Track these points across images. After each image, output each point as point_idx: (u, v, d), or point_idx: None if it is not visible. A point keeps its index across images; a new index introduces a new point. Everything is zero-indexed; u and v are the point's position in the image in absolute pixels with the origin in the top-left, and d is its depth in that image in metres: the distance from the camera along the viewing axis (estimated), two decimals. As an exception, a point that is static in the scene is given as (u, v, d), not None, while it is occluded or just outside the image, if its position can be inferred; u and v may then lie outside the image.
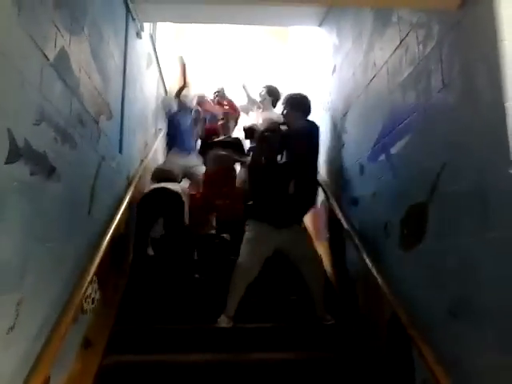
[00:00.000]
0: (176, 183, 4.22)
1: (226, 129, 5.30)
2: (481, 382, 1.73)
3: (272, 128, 3.82)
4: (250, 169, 3.80)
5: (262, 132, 3.81)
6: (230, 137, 5.22)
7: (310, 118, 4.09)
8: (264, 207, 3.47)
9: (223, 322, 3.16)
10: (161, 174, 4.35)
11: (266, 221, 3.39)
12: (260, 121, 5.06)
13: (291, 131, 3.83)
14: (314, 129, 3.87)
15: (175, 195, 3.97)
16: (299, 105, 4.00)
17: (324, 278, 3.55)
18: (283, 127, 3.91)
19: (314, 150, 3.83)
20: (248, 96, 5.50)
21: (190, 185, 4.97)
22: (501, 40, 1.62)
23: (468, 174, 1.81)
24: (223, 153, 4.75)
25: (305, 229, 3.92)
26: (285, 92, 5.28)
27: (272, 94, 5.20)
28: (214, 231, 4.71)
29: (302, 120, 3.92)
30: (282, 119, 4.13)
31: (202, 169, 4.88)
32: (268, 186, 3.53)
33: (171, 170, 4.42)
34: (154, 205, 3.94)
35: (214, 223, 4.81)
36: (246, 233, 3.45)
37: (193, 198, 4.42)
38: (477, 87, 1.77)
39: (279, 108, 5.06)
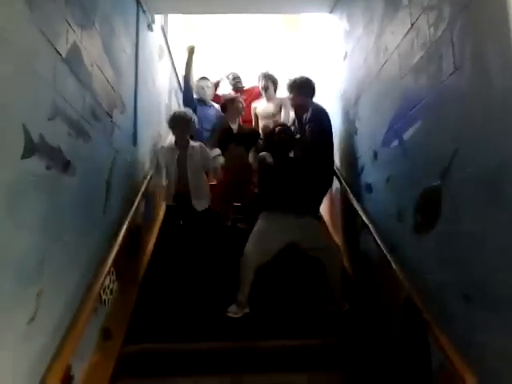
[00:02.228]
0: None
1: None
2: (496, 366, 1.73)
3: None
4: (262, 164, 3.77)
5: (274, 128, 3.81)
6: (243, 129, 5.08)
7: (322, 104, 4.14)
8: (275, 196, 3.47)
9: (233, 311, 3.20)
10: (178, 122, 3.94)
11: (277, 208, 3.40)
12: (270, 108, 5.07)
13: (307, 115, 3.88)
14: (324, 110, 3.98)
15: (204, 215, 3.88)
16: (305, 87, 4.07)
17: (341, 266, 3.54)
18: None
19: (328, 131, 3.90)
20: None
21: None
22: (512, 20, 1.60)
23: (481, 157, 1.79)
24: (238, 150, 4.67)
25: (320, 219, 3.92)
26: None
27: (274, 82, 5.19)
28: (229, 223, 4.73)
29: (310, 102, 4.01)
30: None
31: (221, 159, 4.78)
32: (279, 178, 3.52)
33: (187, 117, 3.99)
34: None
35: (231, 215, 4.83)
36: (257, 223, 3.46)
37: (215, 189, 4.38)
38: (488, 69, 1.74)
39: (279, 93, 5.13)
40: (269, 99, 5.16)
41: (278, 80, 5.19)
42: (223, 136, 4.59)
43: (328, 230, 4.47)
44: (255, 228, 3.44)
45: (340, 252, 3.60)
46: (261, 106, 5.26)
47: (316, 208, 3.97)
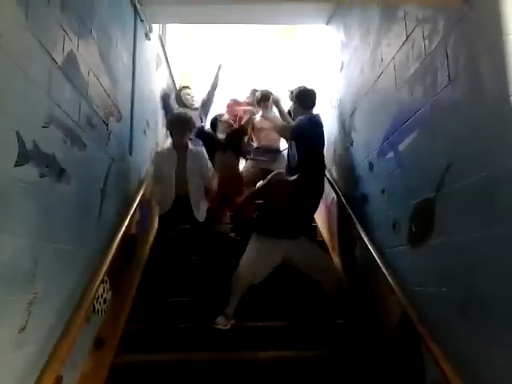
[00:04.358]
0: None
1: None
2: (490, 379, 1.72)
3: None
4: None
5: None
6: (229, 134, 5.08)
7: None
8: (269, 221, 3.44)
9: (221, 322, 3.14)
10: (177, 122, 3.87)
11: (269, 234, 3.36)
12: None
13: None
14: (311, 125, 3.90)
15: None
16: (305, 100, 4.05)
17: (337, 281, 3.51)
18: None
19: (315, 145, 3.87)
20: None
21: None
22: (506, 34, 1.61)
23: (475, 169, 1.79)
24: (226, 158, 4.63)
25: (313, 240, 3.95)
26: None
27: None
28: (229, 230, 4.67)
29: (305, 114, 3.97)
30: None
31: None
32: (275, 202, 3.51)
33: (187, 116, 3.99)
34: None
35: (229, 220, 4.78)
36: (250, 242, 3.43)
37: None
38: (482, 82, 1.76)
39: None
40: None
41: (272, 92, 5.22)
42: (208, 144, 4.59)
43: (322, 248, 4.40)
44: (250, 245, 3.40)
45: (335, 270, 3.56)
46: (258, 118, 5.26)
47: (309, 226, 3.96)
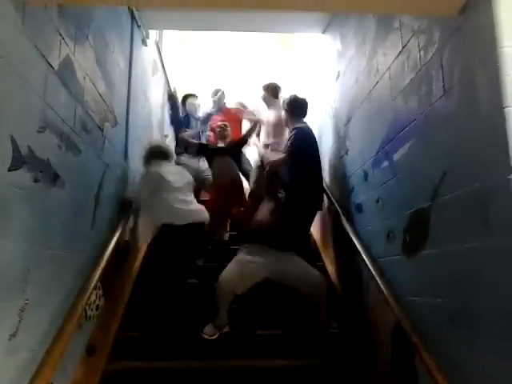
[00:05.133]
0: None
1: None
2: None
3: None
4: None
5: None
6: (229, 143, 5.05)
7: (314, 123, 4.16)
8: (259, 230, 3.47)
9: (208, 332, 3.10)
10: (158, 151, 3.96)
11: (258, 242, 3.39)
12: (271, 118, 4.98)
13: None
14: (308, 133, 3.97)
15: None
16: (296, 109, 4.12)
17: (326, 293, 3.43)
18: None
19: (312, 154, 3.91)
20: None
21: (203, 189, 4.98)
22: (500, 47, 1.62)
23: (469, 180, 1.80)
24: (228, 166, 4.61)
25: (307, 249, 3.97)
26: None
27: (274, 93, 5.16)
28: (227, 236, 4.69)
29: (297, 124, 4.01)
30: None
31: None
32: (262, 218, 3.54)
33: (167, 147, 4.15)
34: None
35: (228, 228, 4.79)
36: (237, 253, 3.44)
37: (206, 205, 4.24)
38: (477, 93, 1.76)
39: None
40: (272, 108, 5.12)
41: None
42: (201, 151, 4.59)
43: (316, 256, 4.40)
44: (236, 257, 3.40)
45: (325, 285, 3.52)
46: (265, 115, 5.16)
47: (301, 242, 3.95)
